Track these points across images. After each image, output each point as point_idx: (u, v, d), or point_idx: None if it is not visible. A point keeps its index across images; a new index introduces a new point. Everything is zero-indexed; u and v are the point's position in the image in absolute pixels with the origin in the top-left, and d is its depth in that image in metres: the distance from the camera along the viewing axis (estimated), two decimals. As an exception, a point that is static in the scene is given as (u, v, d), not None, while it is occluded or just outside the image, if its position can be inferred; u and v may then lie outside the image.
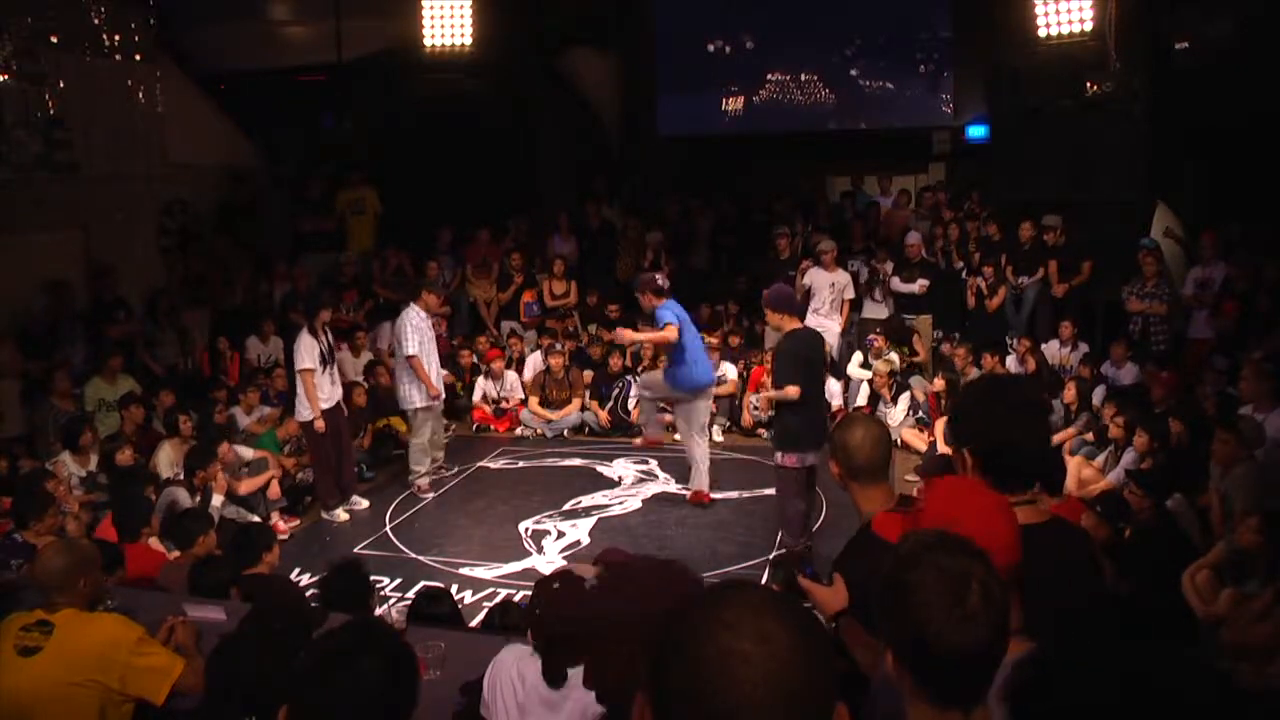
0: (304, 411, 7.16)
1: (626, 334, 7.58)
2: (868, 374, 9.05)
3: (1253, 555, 4.46)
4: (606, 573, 2.19)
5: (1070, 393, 7.80)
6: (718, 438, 9.17)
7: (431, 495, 7.74)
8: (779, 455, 5.79)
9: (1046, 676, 1.33)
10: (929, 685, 1.53)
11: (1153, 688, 1.23)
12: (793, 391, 5.61)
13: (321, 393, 7.13)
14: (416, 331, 7.43)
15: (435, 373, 7.66)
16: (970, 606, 1.48)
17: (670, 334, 6.79)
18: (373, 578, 4.34)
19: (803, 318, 5.92)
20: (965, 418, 2.36)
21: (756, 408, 9.17)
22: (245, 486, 6.99)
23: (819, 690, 1.06)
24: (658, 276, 7.48)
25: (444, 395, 8.01)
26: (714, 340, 9.60)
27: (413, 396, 7.52)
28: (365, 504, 7.54)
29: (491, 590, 5.97)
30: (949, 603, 1.48)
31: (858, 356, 9.34)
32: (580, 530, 6.95)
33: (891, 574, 1.56)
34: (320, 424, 7.07)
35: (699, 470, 7.26)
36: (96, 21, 7.48)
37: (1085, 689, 1.26)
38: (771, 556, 6.34)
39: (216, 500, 6.49)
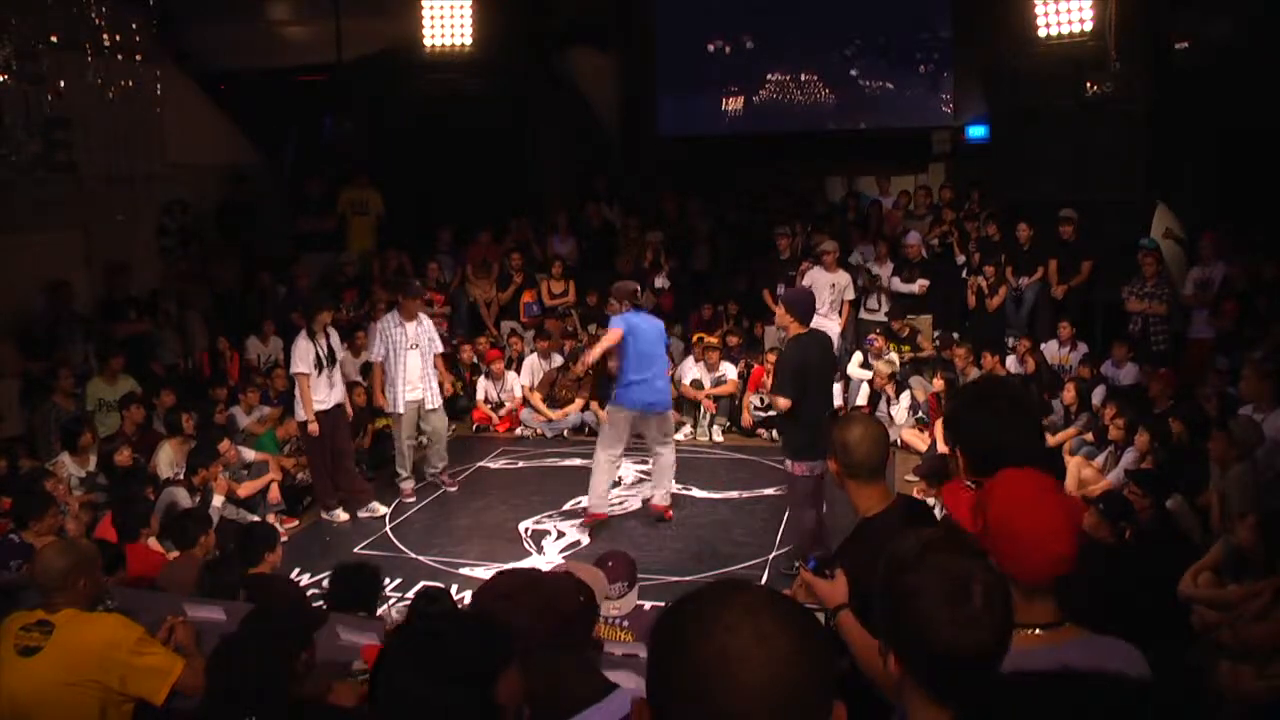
0: (301, 414, 7.17)
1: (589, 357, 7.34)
2: (868, 374, 9.06)
3: (1251, 555, 4.46)
4: (493, 589, 2.12)
5: (1070, 393, 7.80)
6: (718, 438, 9.18)
7: (414, 500, 7.68)
8: (789, 464, 5.69)
9: None
10: (930, 685, 1.54)
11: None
12: (782, 404, 5.57)
13: (318, 395, 7.11)
14: (384, 339, 7.49)
15: (415, 379, 7.56)
16: (973, 609, 1.48)
17: (612, 336, 6.67)
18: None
19: (809, 322, 5.84)
20: (957, 419, 2.40)
21: (756, 408, 9.18)
22: (245, 489, 6.98)
23: (819, 690, 1.07)
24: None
25: (401, 410, 7.68)
26: (714, 340, 9.61)
27: (389, 399, 7.63)
28: (383, 510, 7.43)
29: (491, 590, 5.96)
30: (952, 606, 1.48)
31: (858, 356, 9.35)
32: (580, 530, 6.95)
33: (893, 577, 1.56)
34: (314, 428, 7.05)
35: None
36: (97, 21, 7.45)
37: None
38: (771, 557, 6.34)
39: (217, 500, 6.49)
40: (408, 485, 7.75)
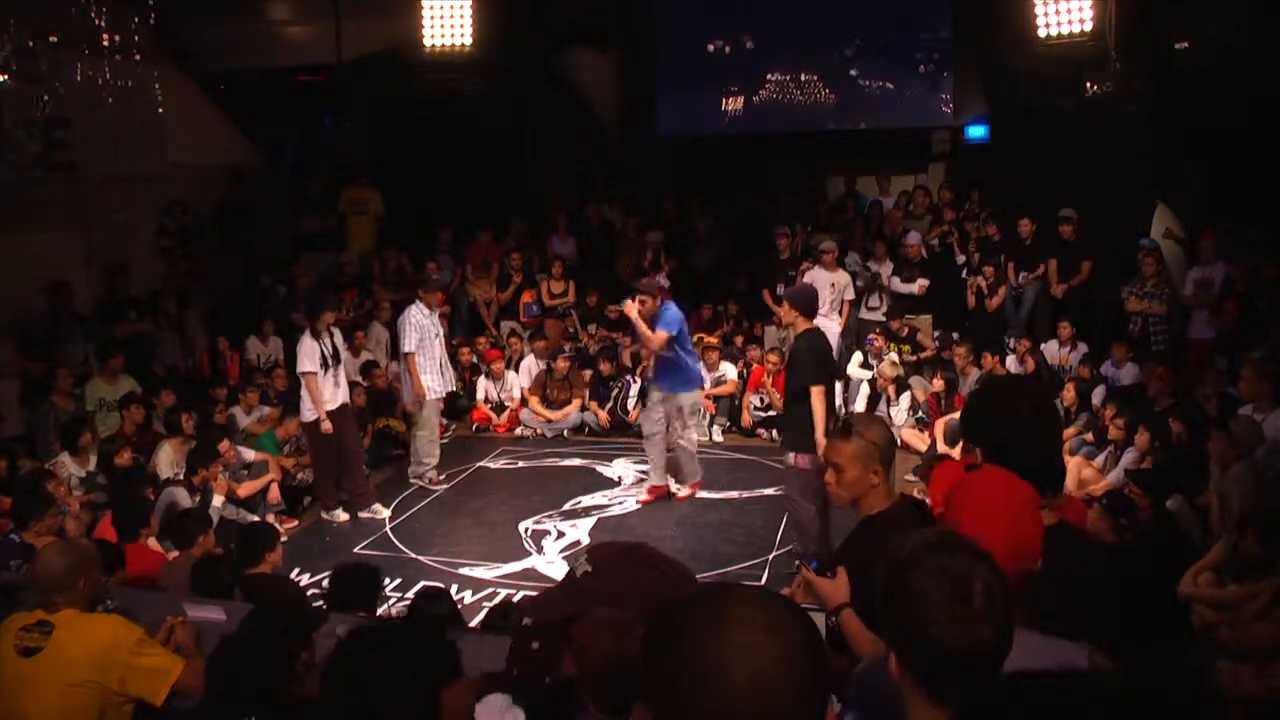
0: (307, 413, 7.15)
1: (629, 307, 7.17)
2: (868, 374, 9.06)
3: (1253, 559, 4.46)
4: (606, 556, 2.15)
5: (1070, 393, 7.80)
6: (718, 438, 9.18)
7: (443, 487, 7.88)
8: (791, 456, 5.66)
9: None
10: (932, 685, 1.53)
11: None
12: (815, 391, 5.57)
13: (324, 394, 7.10)
14: (416, 329, 7.62)
15: (440, 369, 7.81)
16: (974, 608, 1.48)
17: (659, 339, 6.94)
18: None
19: (814, 316, 5.93)
20: (977, 417, 2.37)
21: (756, 408, 9.18)
22: (245, 489, 6.98)
23: (813, 690, 1.07)
24: (659, 278, 7.58)
25: (440, 394, 7.98)
26: (714, 340, 9.60)
27: (427, 388, 7.72)
28: (387, 513, 7.39)
29: (491, 590, 5.97)
30: (953, 605, 1.48)
31: (858, 357, 9.34)
32: (580, 530, 6.95)
33: (894, 576, 1.56)
34: (328, 425, 7.03)
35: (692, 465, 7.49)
36: (97, 21, 7.44)
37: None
38: (771, 557, 6.34)
39: (217, 500, 6.49)
40: (433, 474, 7.97)
